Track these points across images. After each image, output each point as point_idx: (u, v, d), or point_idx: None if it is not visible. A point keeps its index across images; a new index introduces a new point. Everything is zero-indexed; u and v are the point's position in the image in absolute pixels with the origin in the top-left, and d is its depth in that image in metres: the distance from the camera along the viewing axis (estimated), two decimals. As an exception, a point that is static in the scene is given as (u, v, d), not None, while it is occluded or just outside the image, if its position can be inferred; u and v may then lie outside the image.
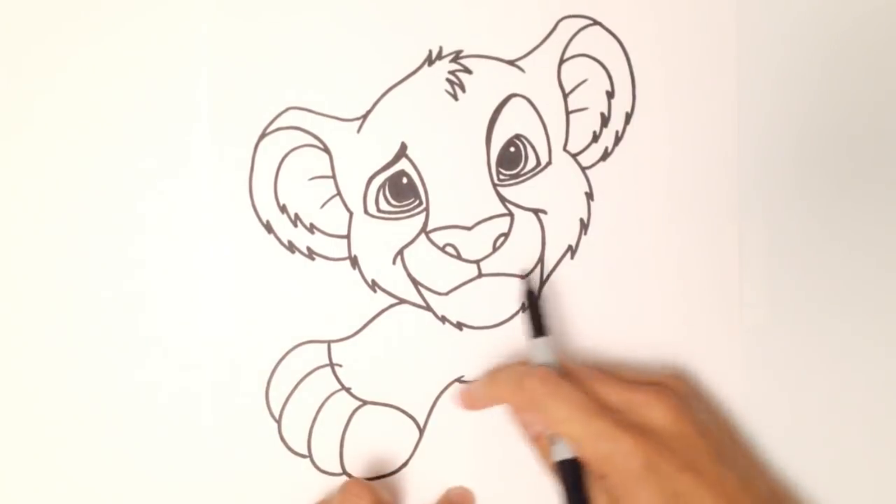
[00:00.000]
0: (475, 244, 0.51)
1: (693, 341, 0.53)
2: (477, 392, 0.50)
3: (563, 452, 0.47)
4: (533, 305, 0.50)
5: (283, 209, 0.50)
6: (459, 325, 0.51)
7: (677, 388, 0.48)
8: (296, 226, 0.50)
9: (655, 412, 0.46)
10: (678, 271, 0.53)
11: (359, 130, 0.50)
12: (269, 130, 0.50)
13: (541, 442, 0.49)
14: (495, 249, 0.51)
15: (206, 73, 0.50)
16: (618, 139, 0.52)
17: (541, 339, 0.50)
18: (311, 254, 0.50)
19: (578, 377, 0.48)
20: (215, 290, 0.50)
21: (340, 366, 0.51)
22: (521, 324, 0.51)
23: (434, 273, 0.51)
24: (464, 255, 0.51)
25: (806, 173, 0.54)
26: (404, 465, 0.51)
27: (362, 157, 0.50)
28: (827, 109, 0.54)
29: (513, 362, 0.50)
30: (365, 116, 0.50)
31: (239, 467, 0.50)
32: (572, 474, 0.47)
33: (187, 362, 0.50)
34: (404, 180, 0.51)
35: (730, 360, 0.53)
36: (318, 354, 0.50)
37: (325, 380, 0.50)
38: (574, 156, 0.52)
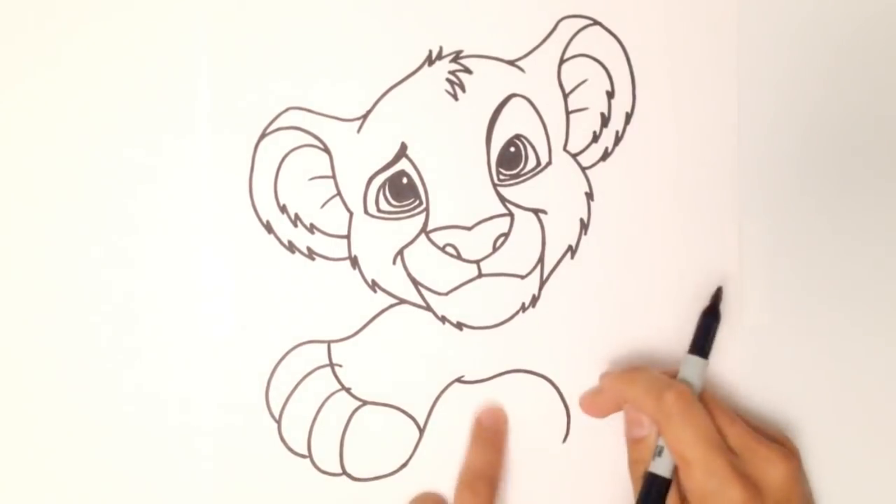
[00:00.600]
0: (475, 244, 0.51)
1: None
2: (610, 386, 0.50)
3: (663, 468, 0.48)
4: (710, 323, 0.51)
5: (283, 209, 0.50)
6: (459, 326, 0.51)
7: (794, 453, 0.49)
8: (296, 226, 0.50)
9: (773, 471, 0.46)
10: (678, 271, 0.53)
11: (359, 130, 0.50)
12: (269, 130, 0.50)
13: (639, 445, 0.49)
14: (495, 249, 0.51)
15: (206, 73, 0.50)
16: (618, 139, 0.52)
17: (698, 359, 0.50)
18: (311, 254, 0.50)
19: (711, 408, 0.48)
20: (215, 290, 0.50)
21: (340, 366, 0.51)
22: (522, 325, 0.52)
23: (434, 273, 0.51)
24: (464, 255, 0.51)
25: (806, 173, 0.54)
26: (404, 465, 0.51)
27: (362, 157, 0.50)
28: (827, 109, 0.54)
29: (651, 369, 0.50)
30: (365, 116, 0.50)
31: (239, 467, 0.50)
32: (658, 491, 0.47)
33: (187, 362, 0.50)
34: (404, 180, 0.51)
35: (730, 360, 0.53)
36: (318, 354, 0.50)
37: (325, 380, 0.50)
38: (574, 156, 0.52)
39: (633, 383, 0.49)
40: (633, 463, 0.49)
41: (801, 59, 0.54)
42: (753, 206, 0.53)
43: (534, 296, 0.52)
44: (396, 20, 0.51)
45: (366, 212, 0.51)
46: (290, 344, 0.50)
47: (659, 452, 0.48)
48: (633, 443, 0.49)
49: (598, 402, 0.51)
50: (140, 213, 0.49)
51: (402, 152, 0.51)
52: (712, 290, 0.52)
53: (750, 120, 0.53)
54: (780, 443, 0.49)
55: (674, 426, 0.47)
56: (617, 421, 0.51)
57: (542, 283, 0.52)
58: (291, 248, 0.50)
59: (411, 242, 0.51)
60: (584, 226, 0.52)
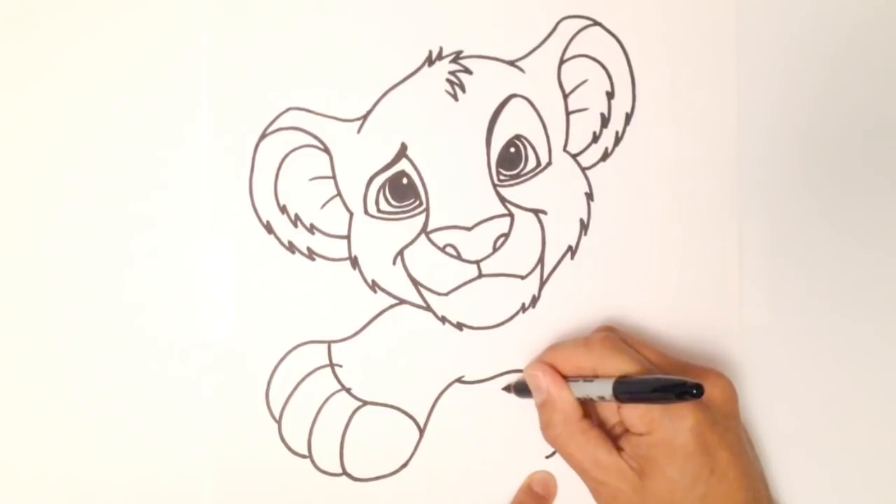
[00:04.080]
0: (475, 244, 0.51)
1: (693, 341, 0.53)
2: (544, 357, 0.50)
3: (606, 389, 0.46)
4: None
5: (283, 209, 0.50)
6: (459, 326, 0.51)
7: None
8: (296, 226, 0.50)
9: (713, 388, 0.47)
10: (678, 271, 0.53)
11: (359, 131, 0.50)
12: (269, 131, 0.50)
13: (544, 408, 0.49)
14: (495, 250, 0.51)
15: (206, 73, 0.50)
16: (618, 140, 0.52)
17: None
18: (311, 254, 0.50)
19: (636, 344, 0.49)
20: (215, 290, 0.50)
21: (340, 366, 0.51)
22: (522, 325, 0.52)
23: (434, 273, 0.51)
24: (464, 256, 0.51)
25: (805, 173, 0.54)
26: (404, 465, 0.51)
27: (362, 158, 0.50)
28: (826, 109, 0.54)
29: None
30: (365, 117, 0.50)
31: (239, 467, 0.50)
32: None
33: (187, 362, 0.50)
34: (404, 181, 0.51)
35: (730, 360, 0.53)
36: (318, 355, 0.50)
37: (325, 380, 0.50)
38: (574, 156, 0.52)
39: (555, 350, 0.50)
40: (543, 427, 0.49)
41: (800, 58, 0.54)
42: (753, 205, 0.53)
43: (534, 296, 0.52)
44: (396, 20, 0.51)
45: (366, 212, 0.51)
46: (290, 344, 0.50)
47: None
48: (540, 407, 0.49)
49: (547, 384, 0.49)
50: (140, 214, 0.49)
51: (403, 152, 0.51)
52: (712, 290, 0.52)
53: (750, 120, 0.53)
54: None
55: (606, 361, 0.47)
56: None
57: (542, 283, 0.52)
58: (291, 248, 0.50)
59: (411, 243, 0.51)
60: (584, 226, 0.52)
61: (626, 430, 0.47)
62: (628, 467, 0.46)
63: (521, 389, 0.51)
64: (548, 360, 0.49)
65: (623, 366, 0.46)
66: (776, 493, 0.53)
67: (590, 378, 0.47)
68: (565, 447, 0.48)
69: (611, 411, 0.48)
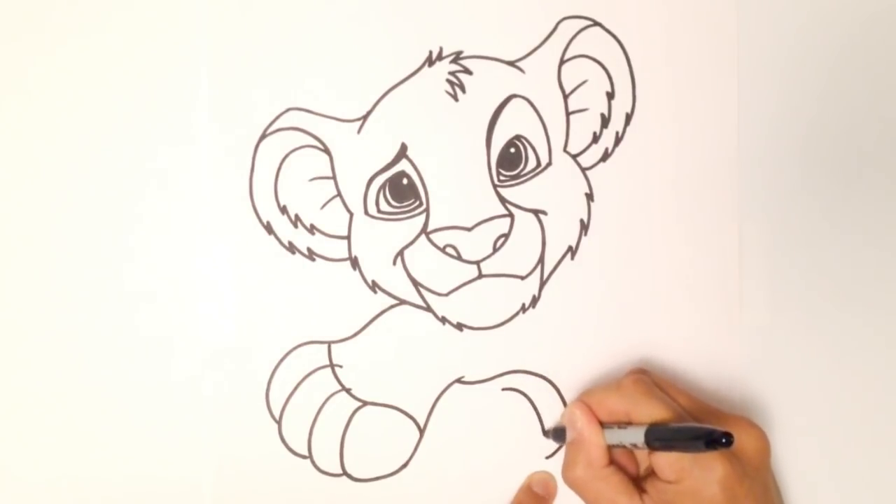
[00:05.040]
0: (475, 245, 0.51)
1: (693, 341, 0.53)
2: (584, 399, 0.50)
3: (638, 436, 0.46)
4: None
5: (283, 210, 0.50)
6: (460, 326, 0.51)
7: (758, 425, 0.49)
8: (296, 226, 0.50)
9: (745, 438, 0.47)
10: (678, 271, 0.53)
11: (359, 131, 0.50)
12: (269, 131, 0.50)
13: (571, 447, 0.49)
14: (495, 250, 0.51)
15: (206, 74, 0.50)
16: (618, 140, 0.52)
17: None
18: (311, 254, 0.50)
19: (669, 390, 0.49)
20: (215, 290, 0.50)
21: (341, 366, 0.51)
22: (522, 325, 0.52)
23: (434, 274, 0.51)
24: (464, 256, 0.51)
25: (805, 173, 0.54)
26: (404, 465, 0.51)
27: (362, 158, 0.50)
28: (827, 110, 0.54)
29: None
30: (365, 117, 0.50)
31: (239, 467, 0.50)
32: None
33: (187, 363, 0.50)
34: (404, 181, 0.51)
35: (730, 360, 0.53)
36: (318, 355, 0.50)
37: (325, 380, 0.51)
38: (574, 157, 0.52)
39: (590, 393, 0.50)
40: (565, 466, 0.49)
41: (801, 59, 0.54)
42: (753, 206, 0.53)
43: (534, 296, 0.52)
44: (396, 21, 0.51)
45: (366, 212, 0.51)
46: (290, 344, 0.50)
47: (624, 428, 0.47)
48: (569, 444, 0.49)
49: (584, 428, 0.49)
50: (141, 214, 0.49)
51: (403, 153, 0.51)
52: (712, 290, 0.52)
53: (750, 120, 0.53)
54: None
55: (639, 406, 0.47)
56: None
57: (542, 283, 0.52)
58: (292, 248, 0.50)
59: (411, 243, 0.51)
60: (584, 226, 0.52)
61: (653, 474, 0.47)
62: None
63: (559, 435, 0.51)
64: (586, 403, 0.49)
65: (655, 412, 0.46)
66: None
67: (623, 424, 0.47)
68: (583, 491, 0.48)
69: (642, 454, 0.48)
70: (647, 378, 0.49)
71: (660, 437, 0.45)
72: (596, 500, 0.48)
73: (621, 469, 0.48)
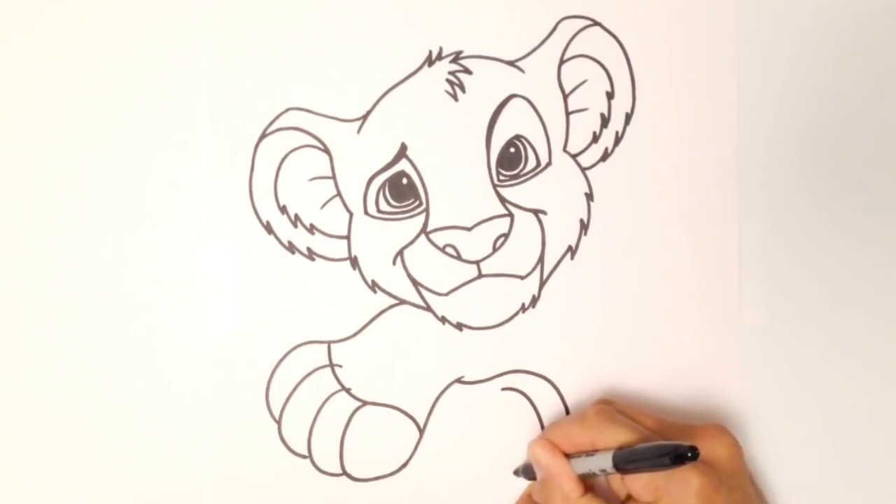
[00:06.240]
0: (475, 245, 0.51)
1: (693, 341, 0.53)
2: (547, 436, 0.49)
3: (606, 462, 0.46)
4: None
5: (283, 210, 0.50)
6: (459, 326, 0.51)
7: (728, 431, 0.48)
8: (296, 226, 0.50)
9: (717, 446, 0.46)
10: (678, 272, 0.53)
11: (359, 131, 0.50)
12: (269, 131, 0.50)
13: (537, 487, 0.49)
14: (495, 250, 0.51)
15: (206, 74, 0.50)
16: (618, 140, 0.52)
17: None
18: (311, 254, 0.50)
19: (633, 414, 0.48)
20: (215, 290, 0.50)
21: (340, 366, 0.51)
22: (522, 325, 0.52)
23: (434, 274, 0.51)
24: (464, 256, 0.51)
25: (805, 174, 0.54)
26: (404, 465, 0.51)
27: (362, 158, 0.50)
28: (827, 110, 0.54)
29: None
30: (365, 117, 0.50)
31: (239, 467, 0.50)
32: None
33: (187, 362, 0.50)
34: (404, 181, 0.51)
35: (730, 360, 0.53)
36: (318, 355, 0.50)
37: (325, 380, 0.51)
38: (574, 156, 0.52)
39: (553, 427, 0.49)
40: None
41: (801, 59, 0.54)
42: (753, 206, 0.53)
43: (534, 296, 0.52)
44: (396, 20, 0.51)
45: (366, 212, 0.51)
46: (290, 344, 0.50)
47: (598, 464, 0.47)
48: (541, 484, 0.49)
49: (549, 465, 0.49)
50: (140, 214, 0.49)
51: (402, 153, 0.51)
52: (712, 290, 0.52)
53: (750, 120, 0.53)
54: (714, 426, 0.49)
55: (603, 434, 0.46)
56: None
57: (542, 283, 0.52)
58: (291, 248, 0.50)
59: (411, 243, 0.51)
60: (584, 226, 0.52)
61: (632, 499, 0.47)
62: None
63: (528, 472, 0.50)
64: (548, 438, 0.49)
65: (620, 436, 0.46)
66: (775, 493, 0.53)
67: (590, 453, 0.47)
68: None
69: (618, 482, 0.48)
70: (610, 407, 0.49)
71: (627, 459, 0.45)
72: None
73: (607, 496, 0.48)
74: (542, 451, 0.48)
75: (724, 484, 0.45)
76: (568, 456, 0.48)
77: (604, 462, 0.46)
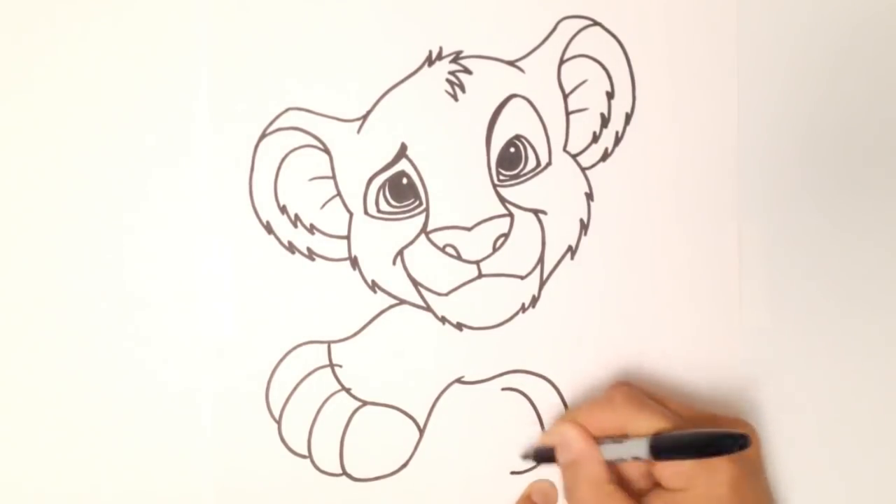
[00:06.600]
0: (475, 245, 0.51)
1: (693, 341, 0.53)
2: (569, 418, 0.49)
3: (641, 448, 0.45)
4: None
5: (283, 210, 0.50)
6: (459, 326, 0.51)
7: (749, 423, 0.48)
8: (296, 226, 0.50)
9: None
10: (678, 271, 0.53)
11: (359, 131, 0.50)
12: (269, 131, 0.50)
13: (568, 471, 0.47)
14: (495, 250, 0.51)
15: (206, 73, 0.50)
16: (618, 140, 0.52)
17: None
18: (311, 254, 0.50)
19: (659, 398, 0.48)
20: (215, 290, 0.50)
21: (340, 366, 0.51)
22: (522, 325, 0.52)
23: (434, 274, 0.51)
24: (464, 256, 0.51)
25: (805, 173, 0.54)
26: (404, 465, 0.51)
27: (362, 158, 0.50)
28: (827, 110, 0.54)
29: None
30: (365, 117, 0.50)
31: (239, 467, 0.50)
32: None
33: (187, 362, 0.50)
34: (404, 181, 0.51)
35: (730, 360, 0.53)
36: (318, 355, 0.50)
37: (325, 380, 0.51)
38: (574, 156, 0.52)
39: (578, 411, 0.49)
40: (567, 490, 0.48)
41: (800, 59, 0.54)
42: (753, 205, 0.53)
43: (534, 296, 0.52)
44: (396, 20, 0.51)
45: (366, 212, 0.51)
46: (290, 344, 0.50)
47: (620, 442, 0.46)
48: (565, 468, 0.48)
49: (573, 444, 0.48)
50: (140, 214, 0.49)
51: (402, 153, 0.51)
52: (712, 290, 0.52)
53: (750, 120, 0.53)
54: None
55: (636, 419, 0.46)
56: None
57: (542, 283, 0.52)
58: (291, 248, 0.50)
59: (411, 243, 0.51)
60: (584, 226, 0.52)
61: (655, 486, 0.46)
62: None
63: (541, 454, 0.49)
64: (576, 421, 0.48)
65: (655, 423, 0.45)
66: (776, 493, 0.53)
67: (618, 438, 0.46)
68: None
69: (635, 468, 0.47)
70: (637, 390, 0.48)
71: (667, 447, 0.44)
72: None
73: (620, 483, 0.47)
74: (574, 433, 0.47)
75: (752, 474, 0.45)
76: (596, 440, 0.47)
77: (637, 450, 0.45)
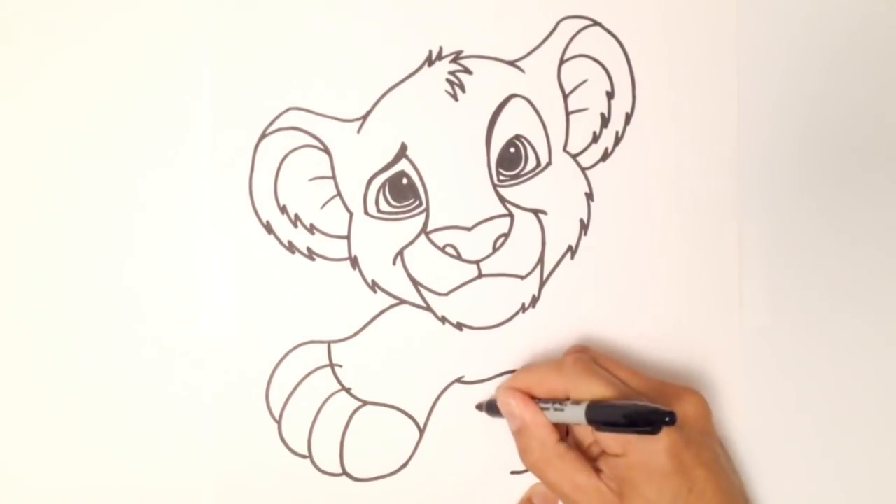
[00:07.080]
0: (475, 245, 0.51)
1: (693, 341, 0.53)
2: (516, 381, 0.49)
3: (579, 415, 0.46)
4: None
5: (283, 210, 0.50)
6: (459, 326, 0.51)
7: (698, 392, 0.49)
8: (296, 226, 0.50)
9: (687, 406, 0.47)
10: (678, 272, 0.53)
11: (359, 131, 0.50)
12: (269, 131, 0.50)
13: (521, 435, 0.48)
14: (495, 250, 0.51)
15: (207, 73, 0.50)
16: (618, 140, 0.52)
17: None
18: (311, 254, 0.50)
19: (609, 365, 0.49)
20: (215, 290, 0.50)
21: (340, 366, 0.51)
22: (522, 325, 0.52)
23: (434, 273, 0.51)
24: (464, 256, 0.51)
25: (805, 173, 0.54)
26: (404, 465, 0.51)
27: (362, 158, 0.50)
28: (826, 110, 0.54)
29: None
30: (365, 117, 0.50)
31: (239, 467, 0.50)
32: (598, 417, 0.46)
33: (187, 362, 0.50)
34: (404, 181, 0.51)
35: (730, 360, 0.53)
36: (318, 355, 0.50)
37: (325, 380, 0.51)
38: (574, 156, 0.52)
39: (528, 371, 0.49)
40: (521, 453, 0.48)
41: (800, 59, 0.54)
42: (753, 205, 0.53)
43: (534, 296, 0.52)
44: (396, 20, 0.51)
45: (366, 212, 0.51)
46: (290, 344, 0.50)
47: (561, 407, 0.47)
48: (516, 434, 0.49)
49: (515, 411, 0.49)
50: (140, 214, 0.49)
51: (402, 153, 0.51)
52: (712, 290, 0.52)
53: (749, 120, 0.53)
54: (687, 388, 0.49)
55: (579, 384, 0.47)
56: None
57: (542, 283, 0.52)
58: (291, 248, 0.50)
59: (411, 243, 0.51)
60: (584, 226, 0.52)
61: (604, 451, 0.47)
62: (608, 489, 0.46)
63: (492, 408, 0.50)
64: (520, 384, 0.49)
65: (596, 389, 0.46)
66: (774, 492, 0.53)
67: (563, 401, 0.47)
68: (544, 473, 0.47)
69: (587, 431, 0.48)
70: (587, 356, 0.49)
71: (601, 417, 0.45)
72: (559, 482, 0.47)
73: (575, 445, 0.48)
74: (515, 402, 0.48)
75: (693, 442, 0.46)
76: (539, 401, 0.48)
77: (575, 415, 0.46)
